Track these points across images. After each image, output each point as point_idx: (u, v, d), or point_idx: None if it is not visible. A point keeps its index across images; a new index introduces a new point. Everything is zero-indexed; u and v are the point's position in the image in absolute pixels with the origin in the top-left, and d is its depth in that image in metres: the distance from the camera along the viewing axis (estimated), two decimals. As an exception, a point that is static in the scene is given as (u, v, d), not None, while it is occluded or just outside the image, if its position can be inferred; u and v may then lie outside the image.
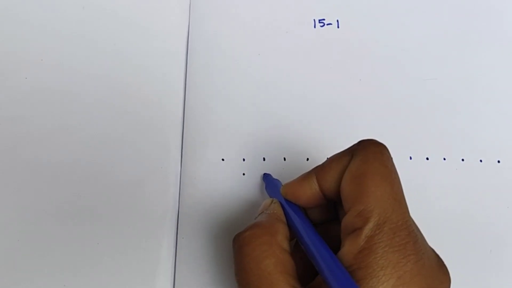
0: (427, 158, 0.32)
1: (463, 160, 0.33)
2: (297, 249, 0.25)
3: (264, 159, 0.32)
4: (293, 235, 0.24)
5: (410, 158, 0.32)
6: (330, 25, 0.36)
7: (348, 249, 0.21)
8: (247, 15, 0.36)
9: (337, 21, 0.36)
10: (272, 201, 0.26)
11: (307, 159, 0.32)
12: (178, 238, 0.30)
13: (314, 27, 0.36)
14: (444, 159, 0.33)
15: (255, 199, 0.31)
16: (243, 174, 0.32)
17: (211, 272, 0.30)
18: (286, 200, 0.25)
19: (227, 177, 0.32)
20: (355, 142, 0.32)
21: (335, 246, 0.22)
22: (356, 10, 0.36)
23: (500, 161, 0.33)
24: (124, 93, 0.33)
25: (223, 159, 0.32)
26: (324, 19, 0.36)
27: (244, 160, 0.32)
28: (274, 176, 0.31)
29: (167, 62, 0.34)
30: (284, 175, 0.31)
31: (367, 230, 0.20)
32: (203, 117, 0.33)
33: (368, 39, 0.35)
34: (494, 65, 0.35)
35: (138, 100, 0.33)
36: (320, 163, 0.32)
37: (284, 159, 0.32)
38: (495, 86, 0.34)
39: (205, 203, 0.31)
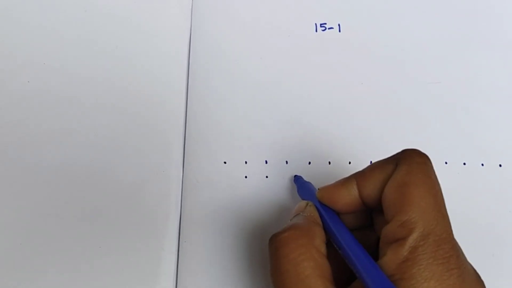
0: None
1: (464, 164, 0.33)
2: (329, 253, 0.24)
3: (266, 162, 0.32)
4: (328, 239, 0.24)
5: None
6: (331, 29, 0.36)
7: (390, 258, 0.20)
8: (249, 18, 0.36)
9: (339, 25, 0.36)
10: (307, 204, 0.25)
11: (309, 163, 0.32)
12: (180, 242, 0.30)
13: (316, 31, 0.36)
14: (446, 163, 0.33)
15: (257, 201, 0.31)
16: (245, 177, 0.32)
17: (214, 275, 0.29)
18: (321, 204, 0.25)
19: (229, 179, 0.31)
20: (355, 145, 0.32)
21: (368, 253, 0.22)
22: (357, 14, 0.36)
23: (502, 165, 0.33)
24: (126, 95, 0.33)
25: (225, 162, 0.32)
26: (325, 23, 0.36)
27: (246, 162, 0.32)
28: (278, 179, 0.31)
29: (169, 65, 0.34)
30: (288, 178, 0.31)
31: (411, 240, 0.20)
32: (205, 119, 0.33)
33: (370, 43, 0.35)
34: (496, 69, 0.35)
35: (140, 102, 0.33)
36: (322, 166, 0.32)
37: (286, 162, 0.32)
38: (497, 90, 0.34)
39: (207, 206, 0.31)
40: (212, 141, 0.32)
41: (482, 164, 0.33)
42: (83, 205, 0.30)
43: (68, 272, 0.29)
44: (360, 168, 0.31)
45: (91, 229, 0.30)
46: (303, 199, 0.27)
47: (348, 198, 0.24)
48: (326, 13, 0.36)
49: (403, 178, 0.22)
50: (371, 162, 0.32)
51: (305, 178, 0.31)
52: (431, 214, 0.21)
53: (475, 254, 0.31)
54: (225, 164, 0.32)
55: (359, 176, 0.24)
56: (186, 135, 0.33)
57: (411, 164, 0.22)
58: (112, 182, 0.31)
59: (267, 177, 0.32)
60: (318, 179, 0.31)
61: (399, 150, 0.32)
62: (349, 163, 0.32)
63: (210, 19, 0.36)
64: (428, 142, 0.33)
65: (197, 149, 0.32)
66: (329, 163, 0.32)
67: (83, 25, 0.35)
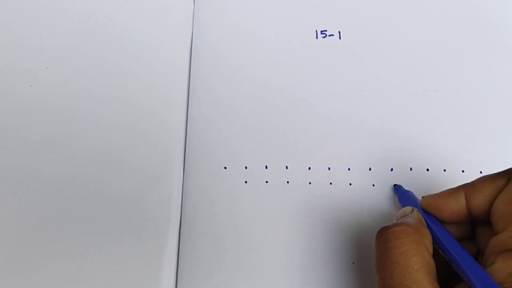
0: (428, 169, 0.33)
1: (463, 171, 0.33)
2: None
3: (266, 167, 0.32)
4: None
5: (411, 169, 0.33)
6: (332, 36, 0.36)
7: (500, 266, 0.21)
8: (250, 25, 0.36)
9: (339, 32, 0.36)
10: (413, 209, 0.26)
11: (309, 168, 0.32)
12: (180, 246, 0.31)
13: (316, 38, 0.36)
14: (445, 170, 0.33)
15: (257, 206, 0.31)
16: (245, 182, 0.32)
17: (214, 280, 0.30)
18: (424, 211, 0.26)
19: (229, 185, 0.32)
20: (356, 152, 0.33)
21: None
22: (357, 21, 0.37)
23: (500, 172, 0.33)
24: (128, 101, 0.34)
25: (225, 167, 0.32)
26: (326, 30, 0.36)
27: (246, 168, 0.32)
28: (277, 185, 0.31)
29: (170, 71, 0.35)
30: (288, 183, 0.32)
31: None
32: (205, 125, 0.33)
33: (370, 50, 0.36)
34: (496, 77, 0.35)
35: (141, 108, 0.33)
36: (320, 171, 0.32)
37: (286, 167, 0.32)
38: (496, 98, 0.34)
39: (208, 211, 0.31)
40: (213, 146, 0.33)
41: (481, 172, 0.33)
42: (85, 209, 0.31)
43: (70, 276, 0.29)
44: (358, 174, 0.32)
45: (92, 233, 0.30)
46: (403, 207, 0.28)
47: (455, 208, 0.24)
48: (326, 20, 0.37)
49: None
50: (370, 169, 0.32)
51: (302, 183, 0.31)
52: None
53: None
54: (225, 169, 0.32)
55: (468, 188, 0.24)
56: (187, 141, 0.33)
57: None
58: (114, 187, 0.31)
59: (267, 182, 0.32)
60: (316, 184, 0.32)
61: (397, 156, 0.32)
62: (348, 169, 0.32)
63: (211, 26, 0.36)
64: (427, 149, 0.33)
65: (198, 154, 0.33)
66: (329, 169, 0.32)
67: (85, 30, 0.35)
